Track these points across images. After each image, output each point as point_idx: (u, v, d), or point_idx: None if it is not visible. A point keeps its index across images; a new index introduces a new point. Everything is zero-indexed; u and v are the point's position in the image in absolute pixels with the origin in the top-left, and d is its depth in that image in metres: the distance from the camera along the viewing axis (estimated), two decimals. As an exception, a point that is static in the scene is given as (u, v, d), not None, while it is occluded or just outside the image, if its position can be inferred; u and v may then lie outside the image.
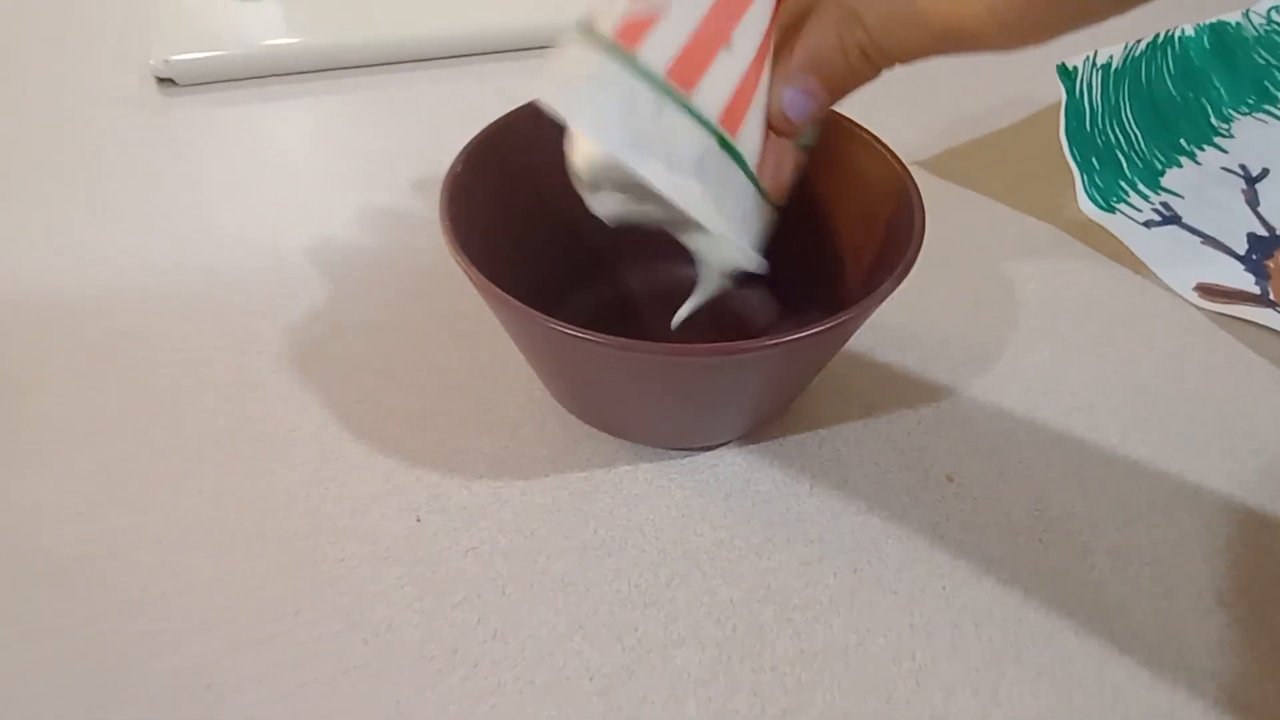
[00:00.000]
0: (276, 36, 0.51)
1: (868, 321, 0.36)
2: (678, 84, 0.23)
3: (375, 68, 0.51)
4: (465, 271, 0.26)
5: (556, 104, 0.23)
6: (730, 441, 0.32)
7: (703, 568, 0.29)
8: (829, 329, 0.25)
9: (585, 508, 0.30)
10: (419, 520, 0.30)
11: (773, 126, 0.25)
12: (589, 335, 0.24)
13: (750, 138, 0.24)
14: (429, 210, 0.41)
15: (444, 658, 0.26)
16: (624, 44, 0.23)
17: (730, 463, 0.32)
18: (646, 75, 0.23)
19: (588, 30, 0.23)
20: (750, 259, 0.26)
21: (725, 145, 0.24)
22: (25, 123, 0.46)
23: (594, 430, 0.32)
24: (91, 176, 0.43)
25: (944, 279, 0.39)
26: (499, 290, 0.25)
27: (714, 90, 0.23)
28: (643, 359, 0.25)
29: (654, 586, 0.28)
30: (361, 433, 0.32)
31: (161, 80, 0.49)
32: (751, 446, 0.32)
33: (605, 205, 0.27)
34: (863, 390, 0.34)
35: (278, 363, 0.35)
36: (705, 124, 0.23)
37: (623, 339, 0.24)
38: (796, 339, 0.24)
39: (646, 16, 0.23)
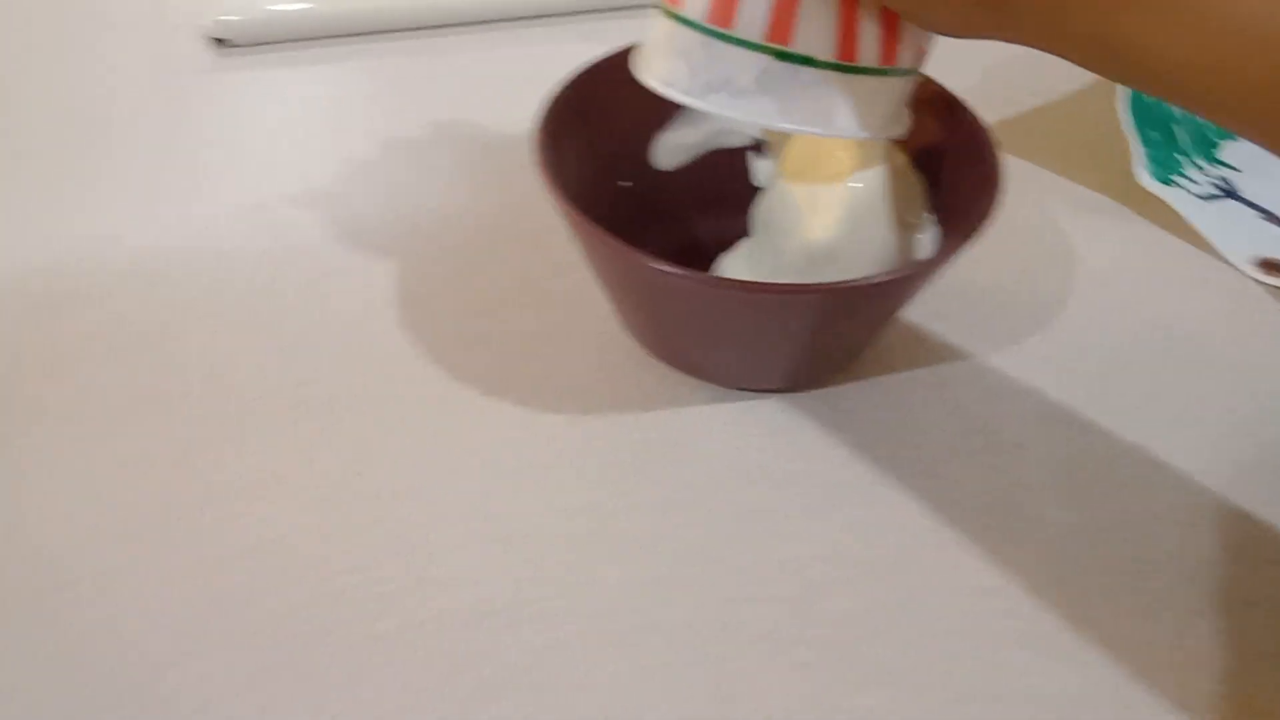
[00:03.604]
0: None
1: (933, 287, 0.36)
2: (716, 23, 0.26)
3: (435, 30, 0.51)
4: (560, 208, 0.28)
5: (635, 71, 0.28)
6: (800, 389, 0.33)
7: (763, 526, 0.29)
8: (897, 278, 0.27)
9: (648, 468, 0.31)
10: (483, 480, 0.30)
11: None
12: (677, 271, 0.26)
13: (814, 36, 0.26)
14: (491, 173, 0.42)
15: (509, 612, 0.27)
16: (670, 4, 0.27)
17: (799, 422, 0.32)
18: (690, 24, 0.26)
19: (657, 3, 0.28)
20: (853, 131, 0.28)
21: (782, 55, 0.26)
22: (87, 87, 0.47)
23: (664, 386, 0.33)
24: (152, 140, 0.43)
25: (1007, 249, 0.38)
26: (599, 229, 0.27)
27: (752, 16, 0.26)
28: (726, 295, 0.27)
29: (715, 544, 0.29)
30: (423, 395, 0.33)
31: (216, 41, 0.49)
32: (821, 398, 0.32)
33: (667, 154, 0.34)
34: (930, 353, 0.34)
35: (344, 325, 0.35)
36: (753, 45, 0.26)
37: (708, 275, 0.27)
38: (871, 284, 0.27)
39: None
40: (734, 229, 0.34)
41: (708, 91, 0.26)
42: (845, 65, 0.27)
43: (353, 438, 0.31)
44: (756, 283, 0.27)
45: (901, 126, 0.29)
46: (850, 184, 0.30)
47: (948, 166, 0.32)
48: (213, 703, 0.25)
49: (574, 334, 0.35)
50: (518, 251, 0.38)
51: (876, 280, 0.27)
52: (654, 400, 0.32)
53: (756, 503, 0.30)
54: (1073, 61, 0.22)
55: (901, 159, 0.32)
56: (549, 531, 0.29)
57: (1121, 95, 0.41)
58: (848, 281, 0.27)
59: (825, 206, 0.30)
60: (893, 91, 0.28)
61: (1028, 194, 0.41)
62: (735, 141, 0.35)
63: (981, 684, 0.26)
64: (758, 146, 0.35)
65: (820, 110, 0.27)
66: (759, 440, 0.31)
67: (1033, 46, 0.23)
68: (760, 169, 0.35)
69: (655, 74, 0.27)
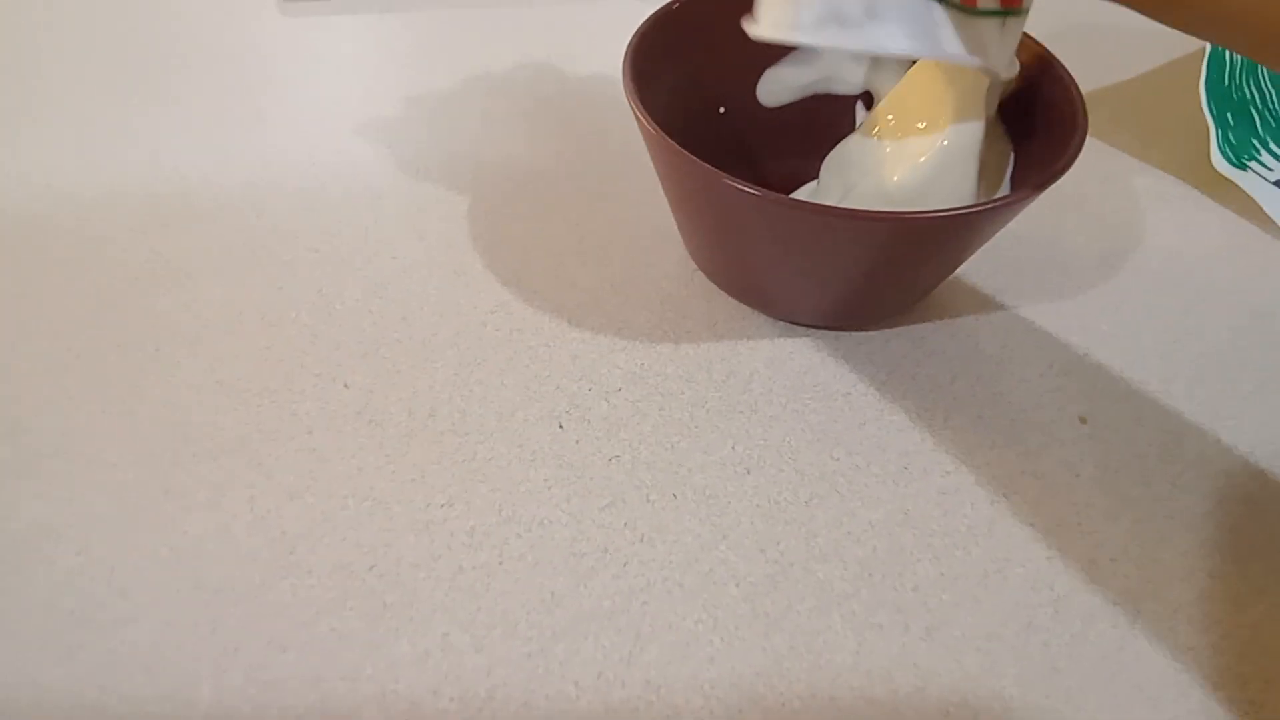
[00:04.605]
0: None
1: (1001, 261, 0.36)
2: None
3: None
4: (642, 124, 0.29)
5: (747, 28, 0.27)
6: (865, 329, 0.34)
7: (840, 490, 0.29)
8: (972, 213, 0.27)
9: (722, 425, 0.31)
10: (561, 428, 0.31)
11: None
12: (755, 190, 0.27)
13: None
14: (553, 128, 0.42)
15: (595, 556, 0.27)
16: None
17: (863, 390, 0.32)
18: None
19: None
20: (960, 55, 0.28)
21: None
22: (172, 26, 0.47)
23: (727, 340, 0.33)
24: (233, 83, 0.44)
25: (1075, 226, 0.38)
26: (676, 145, 0.28)
27: None
28: (805, 218, 0.28)
29: (793, 504, 0.29)
30: (499, 342, 0.33)
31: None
32: (886, 359, 0.33)
33: (774, 91, 0.35)
34: (995, 329, 0.34)
35: (414, 269, 0.35)
36: None
37: (780, 195, 0.27)
38: (954, 214, 0.27)
39: None
40: (808, 172, 0.35)
41: (818, 27, 0.26)
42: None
43: (428, 379, 0.31)
44: (827, 206, 0.27)
45: (1008, 65, 0.30)
46: (943, 139, 0.30)
47: (1027, 112, 0.32)
48: (300, 627, 0.25)
49: (643, 281, 0.35)
50: (587, 196, 0.38)
51: (948, 213, 0.27)
52: (718, 379, 0.32)
53: (829, 470, 0.30)
54: (1140, 12, 0.23)
55: (997, 127, 0.32)
56: (625, 482, 0.29)
57: (1203, 76, 0.40)
58: (917, 212, 0.27)
59: (912, 154, 0.30)
60: (998, 27, 0.28)
61: (1099, 174, 0.41)
62: (843, 89, 0.36)
63: (1063, 660, 0.26)
64: (866, 97, 0.35)
65: (926, 32, 0.27)
66: (825, 416, 0.31)
67: None
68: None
69: (765, 22, 0.27)
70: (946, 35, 0.27)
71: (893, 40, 0.26)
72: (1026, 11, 0.29)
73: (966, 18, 0.27)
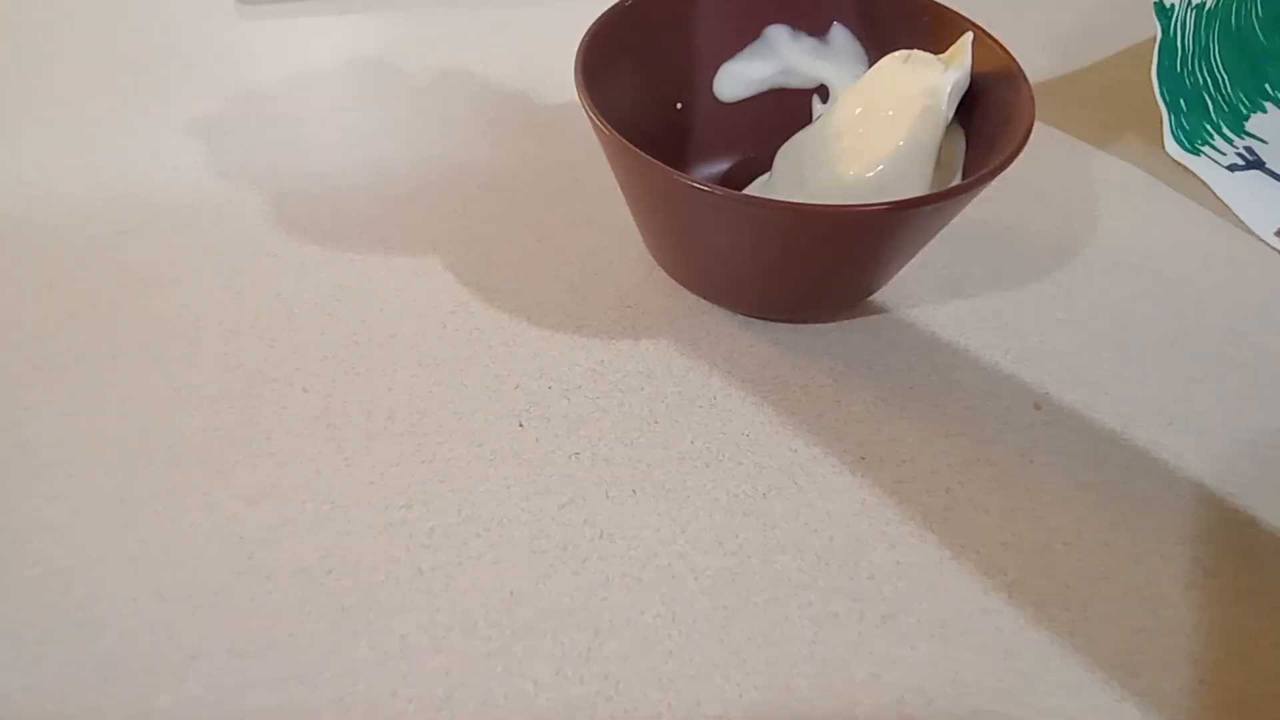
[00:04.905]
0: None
1: (958, 250, 0.37)
2: None
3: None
4: (594, 123, 0.29)
5: None
6: (823, 321, 0.34)
7: (798, 481, 0.30)
8: (920, 204, 0.27)
9: (681, 420, 0.31)
10: (521, 426, 0.31)
11: None
12: (706, 186, 0.27)
13: None
14: (514, 127, 0.42)
15: (554, 553, 0.27)
16: None
17: (821, 382, 0.32)
18: None
19: None
20: None
21: None
22: (133, 31, 0.46)
23: (686, 335, 0.33)
24: (191, 91, 0.43)
25: (1032, 215, 0.39)
26: (627, 142, 0.28)
27: None
28: (758, 213, 0.28)
29: (752, 497, 0.29)
30: (459, 342, 0.33)
31: (238, -12, 0.49)
32: (844, 350, 0.33)
33: (732, 86, 0.36)
34: (952, 318, 0.35)
35: (374, 272, 0.35)
36: None
37: (743, 194, 0.28)
38: (903, 205, 0.27)
39: None
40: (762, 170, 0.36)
41: None
42: None
43: (387, 381, 0.32)
44: (775, 200, 0.27)
45: None
46: (901, 138, 0.30)
47: (978, 103, 0.32)
48: (259, 633, 0.25)
49: (603, 278, 0.35)
50: (546, 195, 0.38)
51: (893, 205, 0.27)
52: (677, 374, 0.33)
53: (787, 461, 0.30)
54: None
55: (957, 134, 0.32)
56: (585, 479, 0.29)
57: (1155, 63, 0.41)
58: (863, 205, 0.27)
59: (870, 149, 0.31)
60: None
61: (1054, 162, 0.42)
62: (800, 83, 0.36)
63: (1016, 644, 0.26)
64: (822, 91, 0.36)
65: None
66: (784, 408, 0.32)
67: None
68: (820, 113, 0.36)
69: None
70: None
71: None
72: None
73: None
